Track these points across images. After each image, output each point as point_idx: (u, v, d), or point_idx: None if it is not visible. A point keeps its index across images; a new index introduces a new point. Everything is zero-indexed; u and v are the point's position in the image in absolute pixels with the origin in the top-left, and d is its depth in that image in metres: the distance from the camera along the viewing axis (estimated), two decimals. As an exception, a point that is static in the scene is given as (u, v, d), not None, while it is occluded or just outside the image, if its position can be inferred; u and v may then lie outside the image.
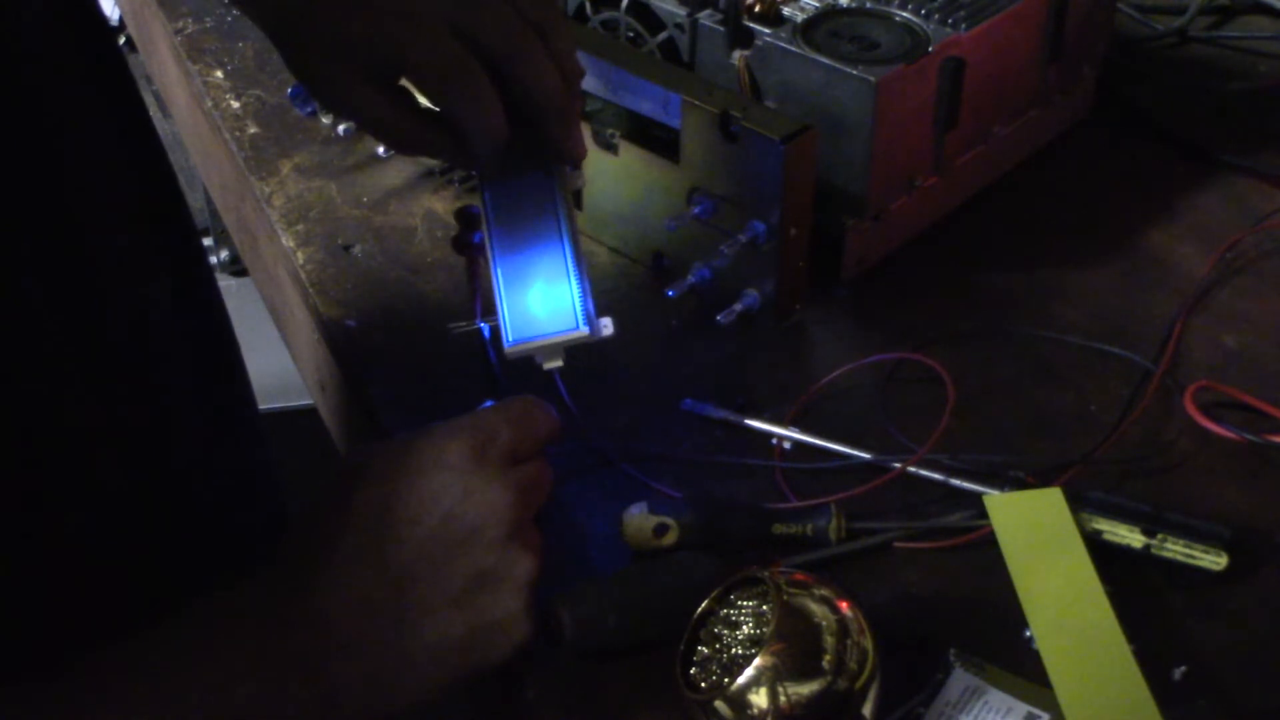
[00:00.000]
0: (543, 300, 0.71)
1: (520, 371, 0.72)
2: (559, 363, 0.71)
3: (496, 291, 0.71)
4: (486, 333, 0.77)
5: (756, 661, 0.59)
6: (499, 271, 0.72)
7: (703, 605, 0.63)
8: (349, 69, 0.69)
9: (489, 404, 0.70)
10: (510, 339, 0.70)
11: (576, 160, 0.76)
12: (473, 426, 0.65)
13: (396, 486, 0.63)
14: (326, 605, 0.61)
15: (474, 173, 0.86)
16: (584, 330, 0.70)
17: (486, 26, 0.69)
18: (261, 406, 0.98)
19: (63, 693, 0.57)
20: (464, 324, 0.78)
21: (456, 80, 0.69)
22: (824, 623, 0.60)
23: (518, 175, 0.74)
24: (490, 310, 0.73)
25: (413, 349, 0.85)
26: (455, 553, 0.62)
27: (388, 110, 0.71)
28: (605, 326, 0.71)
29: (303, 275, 0.91)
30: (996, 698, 0.64)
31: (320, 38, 0.69)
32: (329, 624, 0.60)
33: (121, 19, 1.46)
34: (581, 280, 0.71)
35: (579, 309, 0.70)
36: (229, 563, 0.65)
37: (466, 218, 0.78)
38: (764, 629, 0.60)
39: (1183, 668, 0.67)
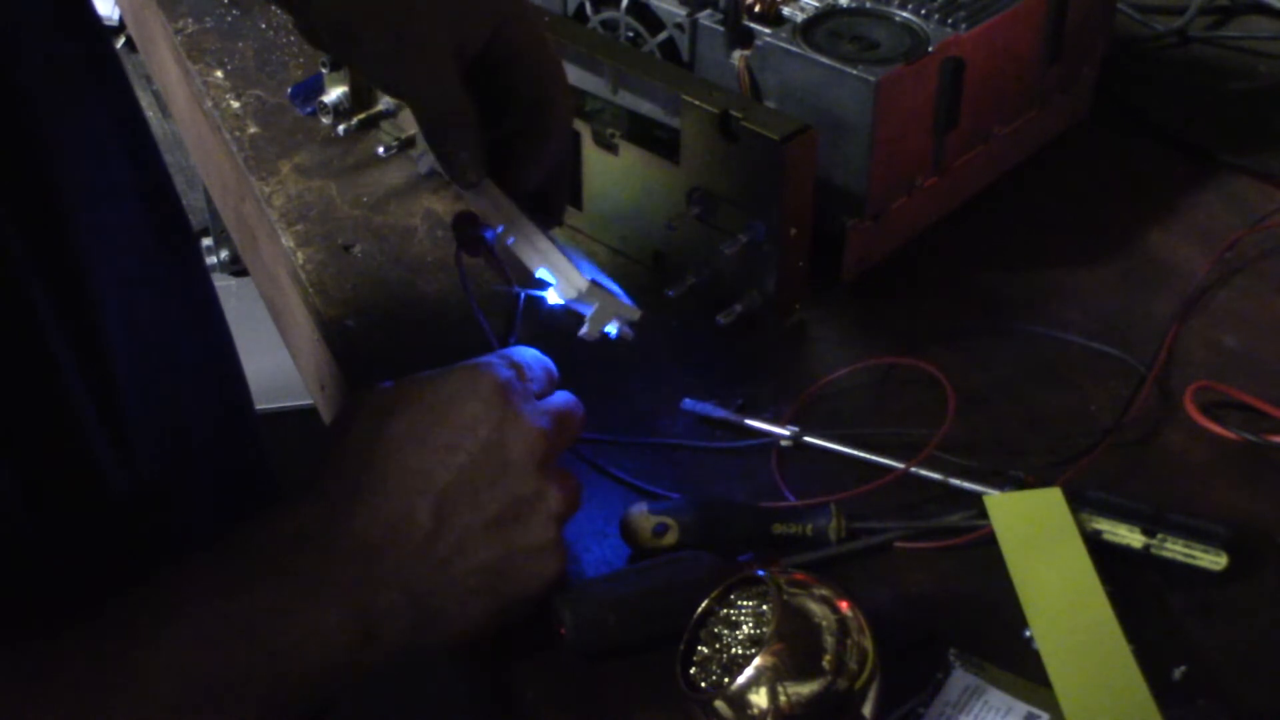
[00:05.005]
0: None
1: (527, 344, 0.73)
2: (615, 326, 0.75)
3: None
4: (523, 298, 0.77)
5: (756, 661, 0.59)
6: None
7: (703, 605, 0.62)
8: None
9: None
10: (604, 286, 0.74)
11: (559, 219, 0.78)
12: (496, 364, 0.66)
13: (436, 414, 0.64)
14: (369, 534, 0.61)
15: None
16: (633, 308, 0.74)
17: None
18: (261, 406, 0.98)
19: (90, 639, 0.57)
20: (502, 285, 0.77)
21: (452, 127, 0.70)
22: (824, 623, 0.60)
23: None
24: (521, 282, 0.74)
25: (413, 349, 0.85)
26: (494, 479, 0.63)
27: None
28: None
29: (303, 275, 0.91)
30: (996, 698, 0.64)
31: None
32: (371, 553, 0.61)
33: (121, 19, 1.46)
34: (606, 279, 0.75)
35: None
36: None
37: (468, 221, 0.77)
38: (764, 629, 0.60)
39: (1183, 668, 0.66)
